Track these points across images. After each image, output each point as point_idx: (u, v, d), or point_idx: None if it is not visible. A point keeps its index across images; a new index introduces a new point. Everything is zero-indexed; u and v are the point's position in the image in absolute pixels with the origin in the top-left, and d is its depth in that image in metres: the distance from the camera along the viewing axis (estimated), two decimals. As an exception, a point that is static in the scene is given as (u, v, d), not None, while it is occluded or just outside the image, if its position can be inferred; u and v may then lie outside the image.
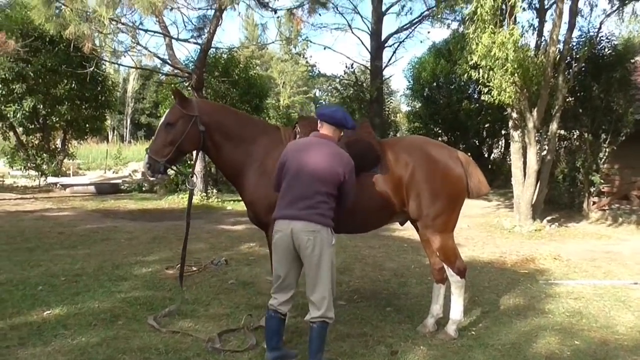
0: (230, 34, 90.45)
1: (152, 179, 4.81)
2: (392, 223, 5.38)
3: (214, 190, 16.84)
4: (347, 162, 4.04)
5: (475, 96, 20.52)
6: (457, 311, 5.02)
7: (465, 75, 11.66)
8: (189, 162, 14.96)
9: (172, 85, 19.58)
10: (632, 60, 14.25)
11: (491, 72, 10.90)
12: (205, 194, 15.89)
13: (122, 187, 18.65)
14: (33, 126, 19.12)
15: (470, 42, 11.06)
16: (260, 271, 7.41)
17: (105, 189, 17.87)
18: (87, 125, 20.53)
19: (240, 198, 15.22)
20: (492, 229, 12.17)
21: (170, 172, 5.13)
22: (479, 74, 11.16)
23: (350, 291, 6.60)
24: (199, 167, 15.57)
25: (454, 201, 4.92)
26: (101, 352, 4.40)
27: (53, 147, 20.16)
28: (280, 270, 4.08)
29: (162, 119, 4.73)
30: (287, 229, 3.92)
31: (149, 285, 6.57)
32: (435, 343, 4.85)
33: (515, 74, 10.65)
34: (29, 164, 18.89)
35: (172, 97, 5.00)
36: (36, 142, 19.57)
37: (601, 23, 13.20)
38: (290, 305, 4.18)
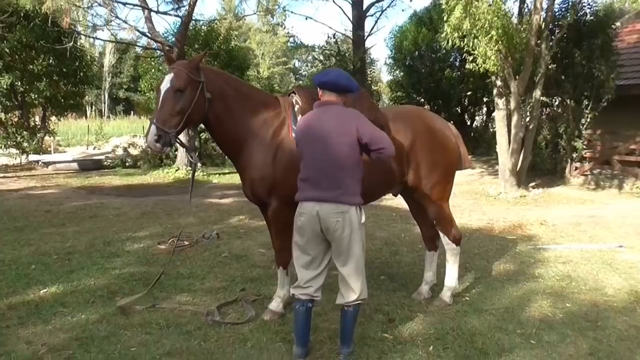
0: (207, 6, 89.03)
1: (159, 153, 4.43)
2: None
3: (199, 164, 16.77)
4: (356, 115, 3.78)
5: (457, 64, 20.53)
6: (452, 278, 5.13)
7: (449, 43, 11.61)
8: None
9: (151, 59, 19.37)
10: (613, 26, 14.31)
11: (475, 41, 10.93)
12: (190, 168, 15.82)
13: (105, 163, 18.49)
14: (11, 104, 18.76)
15: (447, 13, 11.07)
16: (253, 244, 7.45)
17: (88, 166, 17.70)
18: (67, 102, 20.19)
19: (225, 171, 15.08)
20: (477, 196, 12.31)
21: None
22: (463, 42, 11.20)
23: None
24: (183, 139, 15.48)
25: (450, 170, 5.01)
26: (102, 329, 4.42)
27: (33, 124, 19.84)
28: (310, 251, 3.78)
29: (166, 84, 4.13)
30: (312, 211, 3.66)
31: (142, 261, 6.58)
32: (431, 310, 4.94)
33: (500, 42, 10.68)
34: (8, 142, 18.55)
35: (167, 63, 4.44)
36: (15, 119, 19.20)
37: (584, -11, 13.22)
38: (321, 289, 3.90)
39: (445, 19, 11.10)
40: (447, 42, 11.52)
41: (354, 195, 3.73)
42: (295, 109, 4.56)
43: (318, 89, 3.94)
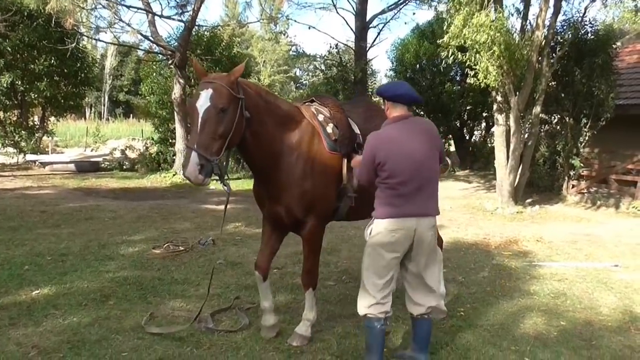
0: (210, 11, 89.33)
1: (200, 185, 3.71)
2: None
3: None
4: (435, 129, 3.92)
5: (458, 79, 20.60)
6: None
7: (451, 56, 11.65)
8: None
9: (152, 63, 19.36)
10: (614, 46, 14.37)
11: (477, 55, 10.96)
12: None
13: (103, 165, 18.46)
14: (11, 102, 18.77)
15: (447, 23, 11.16)
16: (248, 251, 7.43)
17: (86, 167, 17.68)
18: (66, 102, 20.20)
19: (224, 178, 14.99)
20: (474, 211, 12.30)
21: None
22: (465, 56, 11.25)
23: (339, 272, 6.65)
24: (180, 146, 15.50)
25: None
26: (94, 333, 4.39)
27: (31, 124, 19.84)
28: (394, 267, 3.78)
29: (205, 102, 3.59)
30: (412, 226, 3.65)
31: (136, 264, 6.55)
32: (426, 323, 4.91)
33: (502, 58, 10.71)
34: (6, 141, 18.55)
35: (199, 75, 3.89)
36: (14, 118, 19.22)
37: (586, 8, 13.27)
38: None
39: (445, 28, 11.18)
40: (447, 53, 11.53)
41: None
42: (320, 118, 4.39)
43: (386, 101, 3.86)
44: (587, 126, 13.70)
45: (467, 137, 22.15)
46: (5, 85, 17.21)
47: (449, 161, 4.65)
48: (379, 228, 3.71)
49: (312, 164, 4.19)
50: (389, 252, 3.71)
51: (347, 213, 4.53)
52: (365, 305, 3.81)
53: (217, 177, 3.75)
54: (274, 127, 4.08)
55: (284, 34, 31.44)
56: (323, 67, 24.77)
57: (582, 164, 14.12)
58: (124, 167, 18.35)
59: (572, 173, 14.32)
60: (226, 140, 3.64)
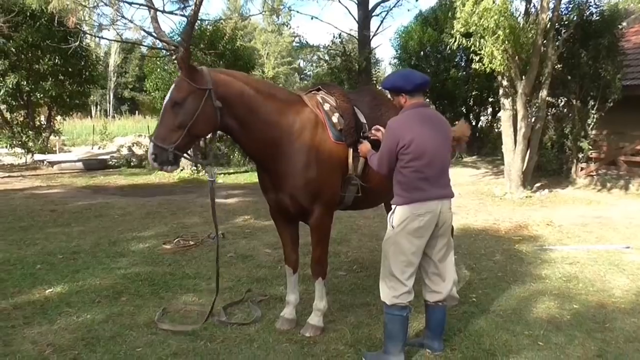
0: (212, 5, 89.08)
1: (160, 171, 4.00)
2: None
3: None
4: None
5: (463, 64, 20.50)
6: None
7: (456, 43, 11.60)
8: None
9: (156, 59, 19.35)
10: (620, 27, 14.24)
11: (482, 40, 10.89)
12: (195, 168, 15.85)
13: (110, 162, 18.54)
14: (17, 103, 18.83)
15: (456, 10, 11.07)
16: (258, 244, 7.45)
17: (94, 165, 17.75)
18: (72, 101, 20.24)
19: (230, 171, 14.92)
20: (483, 197, 12.27)
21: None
22: (469, 41, 11.18)
23: (349, 261, 6.65)
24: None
25: None
26: (107, 329, 4.41)
27: (38, 123, 19.91)
28: (419, 254, 3.79)
29: (167, 97, 3.81)
30: (436, 209, 3.70)
31: (147, 260, 6.57)
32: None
33: (507, 42, 10.64)
34: (14, 142, 18.62)
35: (178, 68, 3.98)
36: (21, 119, 19.28)
37: (590, -11, 13.15)
38: None
39: (457, 14, 11.07)
40: (455, 40, 11.49)
41: None
42: (326, 107, 4.36)
43: (404, 93, 3.85)
44: (595, 108, 13.62)
45: (474, 123, 22.04)
46: (10, 86, 17.26)
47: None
48: (406, 214, 3.70)
49: (315, 153, 4.15)
50: (418, 238, 3.72)
51: (354, 202, 4.55)
52: (394, 294, 3.76)
53: (201, 164, 3.96)
54: (268, 115, 4.07)
55: (287, 26, 31.43)
56: (327, 58, 24.67)
57: (590, 147, 14.04)
58: (132, 163, 18.41)
59: (580, 156, 14.25)
60: (184, 129, 3.76)
